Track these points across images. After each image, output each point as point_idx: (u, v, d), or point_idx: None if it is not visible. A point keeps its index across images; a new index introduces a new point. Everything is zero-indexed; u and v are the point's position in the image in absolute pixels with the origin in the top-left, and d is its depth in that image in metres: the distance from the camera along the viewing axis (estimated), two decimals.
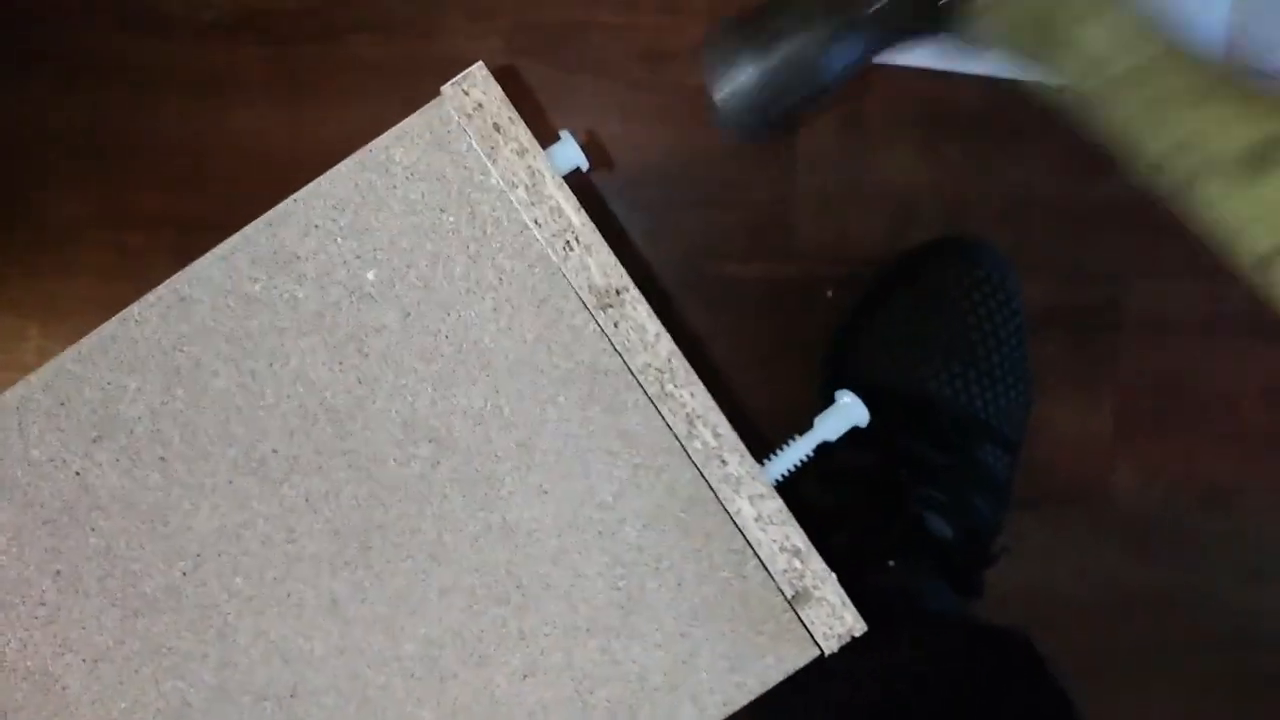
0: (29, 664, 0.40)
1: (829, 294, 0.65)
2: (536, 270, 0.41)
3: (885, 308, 0.62)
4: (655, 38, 0.61)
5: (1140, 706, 0.73)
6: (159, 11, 0.59)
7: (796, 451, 0.44)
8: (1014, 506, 0.67)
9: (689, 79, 0.62)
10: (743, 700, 0.43)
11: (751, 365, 0.64)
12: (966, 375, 0.61)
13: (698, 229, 0.64)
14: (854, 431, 0.62)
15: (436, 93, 0.40)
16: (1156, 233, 0.68)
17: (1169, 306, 0.69)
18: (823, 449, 0.44)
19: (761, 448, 0.46)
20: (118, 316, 0.40)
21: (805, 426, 0.47)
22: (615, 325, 0.41)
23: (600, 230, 0.40)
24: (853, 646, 0.53)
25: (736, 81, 0.45)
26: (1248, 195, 0.36)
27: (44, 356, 0.52)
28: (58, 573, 0.40)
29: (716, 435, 0.42)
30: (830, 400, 0.48)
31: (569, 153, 0.41)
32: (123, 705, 0.40)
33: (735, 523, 0.42)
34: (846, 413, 0.44)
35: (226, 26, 0.55)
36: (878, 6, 0.44)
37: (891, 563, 0.58)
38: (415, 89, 0.45)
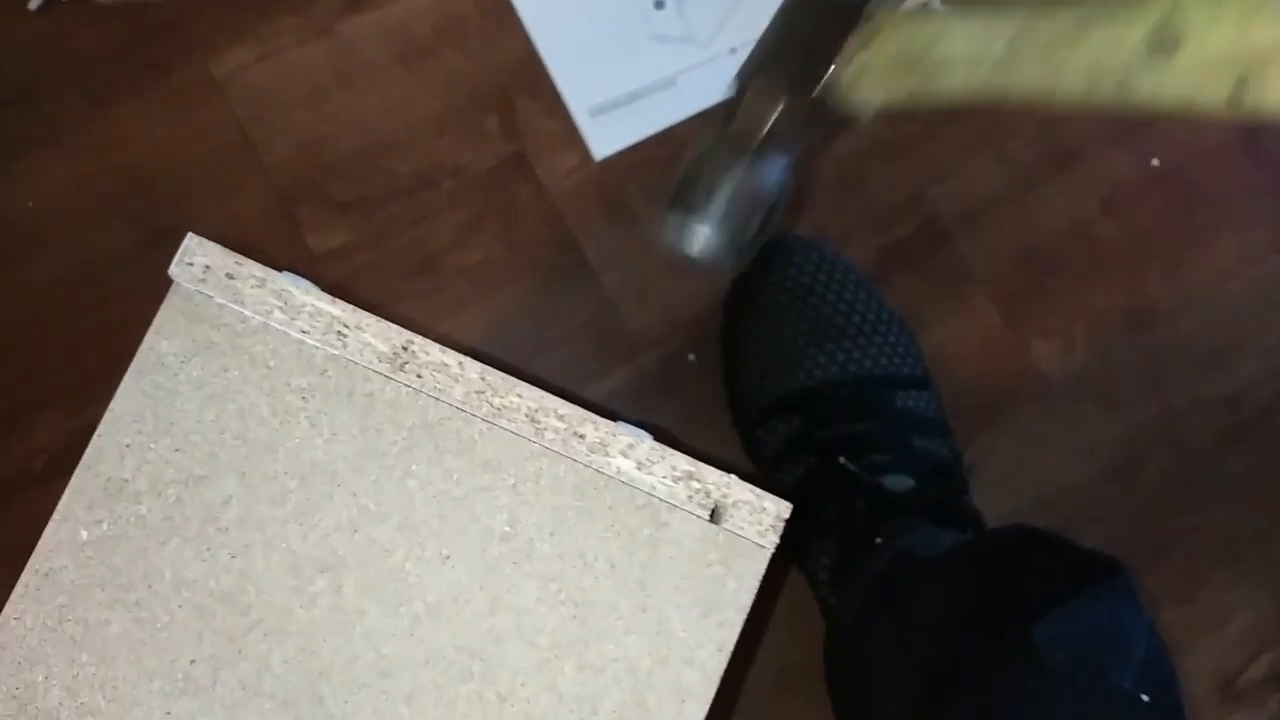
0: None
1: (691, 359, 0.67)
2: (329, 372, 0.43)
3: (743, 338, 0.65)
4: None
5: (1190, 536, 0.69)
6: None
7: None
8: (966, 432, 0.66)
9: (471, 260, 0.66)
10: (732, 636, 0.42)
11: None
12: (840, 346, 0.63)
13: (554, 370, 0.67)
14: (787, 449, 0.63)
15: (170, 282, 0.44)
16: (916, 144, 0.71)
17: (973, 191, 0.71)
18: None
19: None
20: None
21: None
22: (419, 376, 0.43)
23: None
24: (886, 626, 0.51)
25: (702, 236, 0.50)
26: (1175, 72, 0.39)
27: None
28: None
29: (561, 418, 0.43)
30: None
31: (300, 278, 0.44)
32: None
33: (624, 482, 0.43)
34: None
35: (60, 467, 0.54)
36: (767, 129, 0.50)
37: (878, 540, 0.57)
38: None
